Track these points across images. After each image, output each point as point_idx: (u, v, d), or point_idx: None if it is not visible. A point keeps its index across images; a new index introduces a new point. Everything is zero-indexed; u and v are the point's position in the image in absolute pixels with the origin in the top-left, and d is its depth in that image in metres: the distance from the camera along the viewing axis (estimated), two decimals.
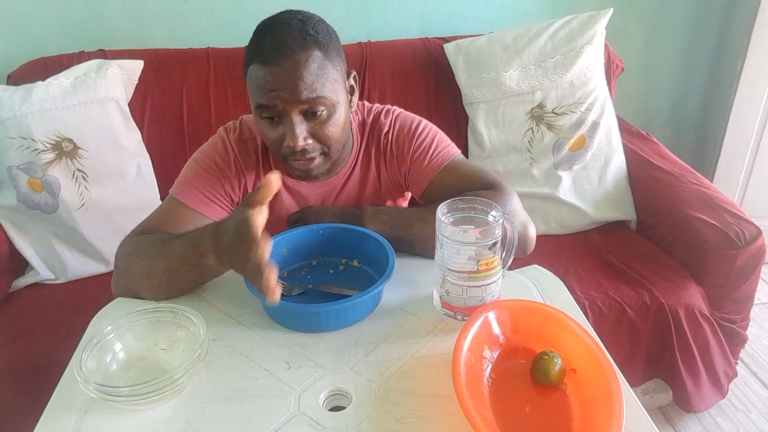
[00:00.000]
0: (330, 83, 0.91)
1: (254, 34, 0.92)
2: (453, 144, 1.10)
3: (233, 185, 1.03)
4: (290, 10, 0.93)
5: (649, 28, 2.05)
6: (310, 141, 0.93)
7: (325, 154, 0.97)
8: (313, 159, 0.96)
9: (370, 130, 1.09)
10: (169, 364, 0.74)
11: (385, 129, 1.08)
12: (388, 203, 1.14)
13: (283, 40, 0.88)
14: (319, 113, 0.91)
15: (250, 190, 1.06)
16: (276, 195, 1.07)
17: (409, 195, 1.19)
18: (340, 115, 0.95)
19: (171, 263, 0.86)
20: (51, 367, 1.02)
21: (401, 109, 1.12)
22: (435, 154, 1.05)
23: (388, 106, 1.12)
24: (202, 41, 1.75)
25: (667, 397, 1.54)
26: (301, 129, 0.91)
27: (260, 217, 0.72)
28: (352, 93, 1.00)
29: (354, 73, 1.00)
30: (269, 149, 0.97)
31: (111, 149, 1.53)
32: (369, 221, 0.98)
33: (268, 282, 0.72)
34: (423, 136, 1.07)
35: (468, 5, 1.91)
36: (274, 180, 0.71)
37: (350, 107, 1.00)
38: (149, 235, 0.94)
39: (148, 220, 1.00)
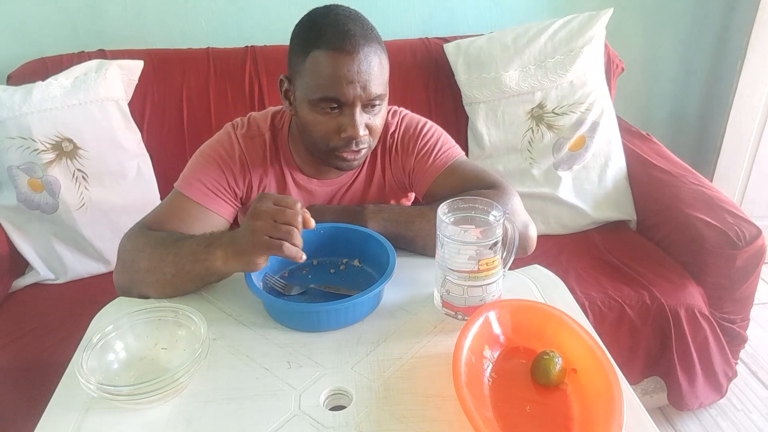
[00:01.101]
0: (387, 80, 0.95)
1: (311, 21, 0.92)
2: (457, 145, 1.10)
3: (237, 180, 1.03)
4: (339, 5, 0.94)
5: (649, 28, 2.06)
6: (366, 132, 0.95)
7: (369, 146, 0.99)
8: (360, 150, 0.97)
9: None
10: (170, 363, 0.75)
11: (392, 129, 1.09)
12: (391, 202, 1.14)
13: (353, 29, 0.89)
14: (376, 107, 0.94)
15: (255, 186, 1.06)
16: (285, 192, 1.08)
17: (412, 196, 1.20)
18: (386, 111, 0.99)
19: (179, 259, 0.86)
20: (51, 367, 1.02)
21: (408, 110, 1.13)
22: (439, 155, 1.06)
23: (395, 107, 1.13)
24: (202, 41, 1.75)
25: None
26: (361, 120, 0.93)
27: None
28: None
29: None
30: (316, 141, 0.96)
31: (111, 149, 1.53)
32: (371, 218, 0.99)
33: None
34: (428, 136, 1.07)
35: (468, 5, 1.91)
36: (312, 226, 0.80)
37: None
38: (160, 232, 0.94)
39: (153, 212, 1.00)
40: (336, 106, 0.92)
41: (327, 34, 0.89)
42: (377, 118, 0.96)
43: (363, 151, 0.98)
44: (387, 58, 0.95)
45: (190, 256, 0.85)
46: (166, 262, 0.87)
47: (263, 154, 1.05)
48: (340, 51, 0.88)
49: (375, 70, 0.90)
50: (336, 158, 0.98)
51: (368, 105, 0.93)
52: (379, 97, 0.93)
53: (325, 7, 0.93)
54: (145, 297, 0.90)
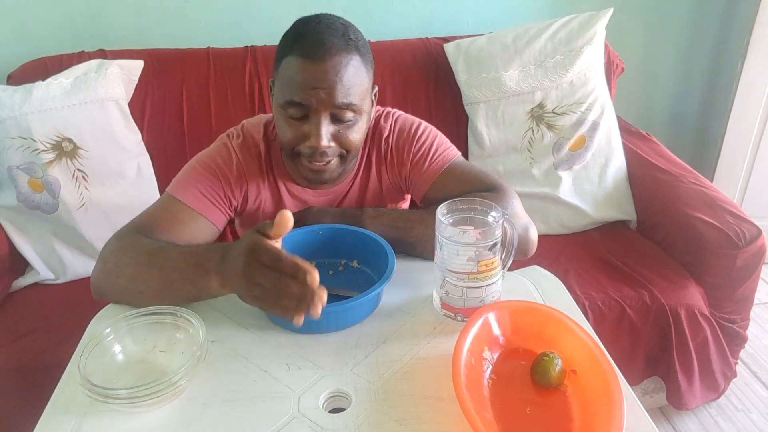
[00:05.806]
0: (362, 92, 0.92)
1: (293, 28, 0.92)
2: (453, 146, 1.09)
3: (234, 190, 1.02)
4: (330, 14, 0.93)
5: (649, 28, 2.05)
6: (332, 143, 0.92)
7: (341, 157, 0.96)
8: (329, 162, 0.95)
9: (371, 134, 1.08)
10: (169, 366, 0.74)
11: (386, 133, 1.07)
12: (389, 206, 1.14)
13: (328, 38, 0.88)
14: (346, 119, 0.91)
15: (251, 196, 1.05)
16: (280, 203, 1.07)
17: (409, 197, 1.19)
18: (363, 124, 0.95)
19: (167, 273, 0.82)
20: (51, 367, 1.01)
21: (401, 112, 1.11)
22: (435, 157, 1.05)
23: (388, 109, 1.11)
24: (202, 41, 1.75)
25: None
26: (326, 130, 0.91)
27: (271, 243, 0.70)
28: (371, 105, 1.00)
29: (377, 88, 1.01)
30: (284, 145, 0.95)
31: (111, 149, 1.53)
32: (369, 223, 0.98)
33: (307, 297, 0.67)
34: (422, 139, 1.06)
35: (468, 5, 1.91)
36: (288, 218, 0.69)
37: (369, 119, 1.00)
38: (144, 239, 0.90)
39: (143, 215, 0.97)
40: (302, 114, 0.90)
41: (301, 41, 0.88)
42: (351, 132, 0.93)
43: (332, 164, 0.96)
44: (368, 72, 0.93)
45: (179, 273, 0.81)
46: (151, 274, 0.83)
47: (259, 165, 1.04)
48: (308, 58, 0.87)
49: (345, 78, 0.88)
50: (303, 167, 0.96)
51: (337, 115, 0.91)
52: (350, 106, 0.90)
53: (314, 15, 0.92)
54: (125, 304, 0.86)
